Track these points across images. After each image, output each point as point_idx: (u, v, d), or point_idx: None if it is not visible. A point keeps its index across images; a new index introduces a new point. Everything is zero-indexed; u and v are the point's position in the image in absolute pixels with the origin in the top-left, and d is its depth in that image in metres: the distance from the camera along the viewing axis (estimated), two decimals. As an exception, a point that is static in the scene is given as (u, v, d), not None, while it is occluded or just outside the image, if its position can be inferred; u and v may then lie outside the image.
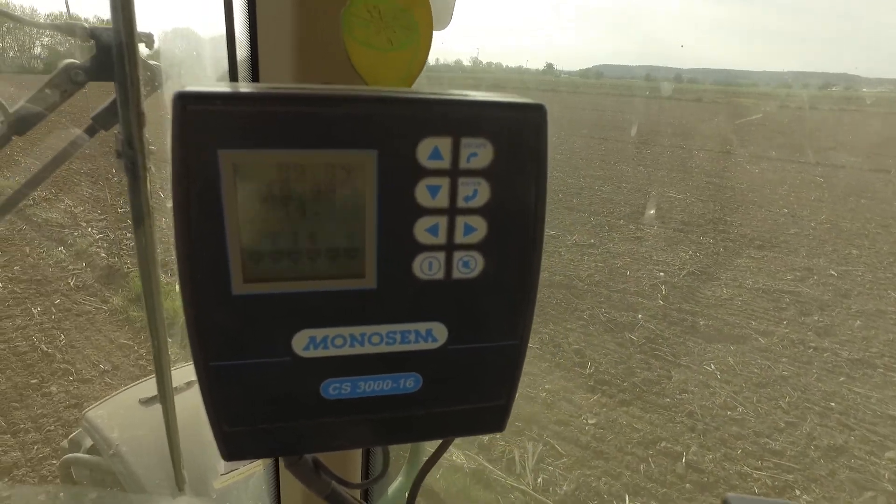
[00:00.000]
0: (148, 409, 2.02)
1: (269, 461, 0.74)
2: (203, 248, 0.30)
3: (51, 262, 5.39)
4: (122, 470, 1.73)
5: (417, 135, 0.30)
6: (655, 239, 6.64)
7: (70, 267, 5.32)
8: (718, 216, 7.55)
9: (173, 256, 0.32)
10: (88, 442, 1.98)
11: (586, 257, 5.97)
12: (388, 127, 0.30)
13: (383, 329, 0.34)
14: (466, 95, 0.32)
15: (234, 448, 0.37)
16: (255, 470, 0.72)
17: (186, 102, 0.28)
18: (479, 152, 0.31)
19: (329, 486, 0.43)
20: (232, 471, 0.70)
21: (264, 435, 0.36)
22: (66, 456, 1.98)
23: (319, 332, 0.33)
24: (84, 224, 6.42)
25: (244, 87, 0.31)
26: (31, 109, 0.53)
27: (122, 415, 1.96)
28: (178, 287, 0.32)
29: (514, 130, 0.32)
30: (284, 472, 0.75)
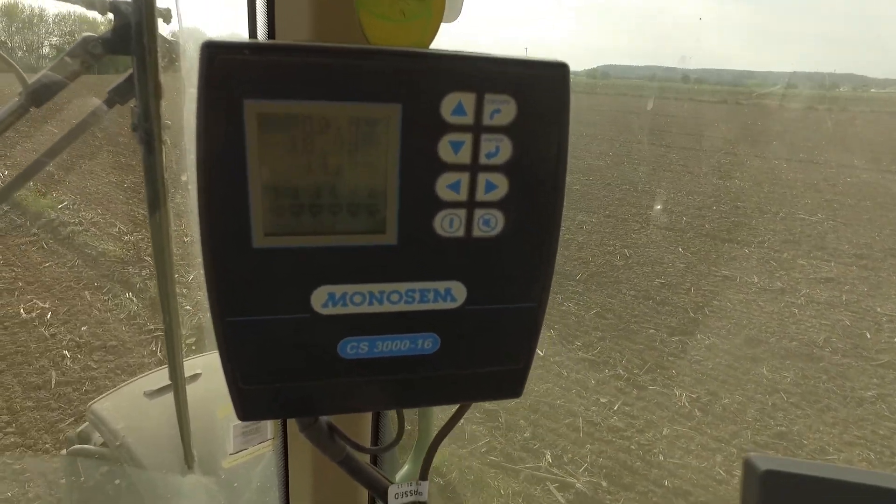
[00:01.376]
0: (152, 401, 2.03)
1: (278, 441, 0.74)
2: (224, 200, 0.30)
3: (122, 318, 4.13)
4: (128, 460, 1.73)
5: (442, 90, 0.31)
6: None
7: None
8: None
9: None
10: (94, 434, 1.99)
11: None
12: (413, 81, 0.30)
13: (402, 287, 0.34)
14: (487, 55, 0.32)
15: (249, 407, 0.37)
16: (264, 450, 0.72)
17: (214, 51, 0.28)
18: (502, 109, 0.31)
19: (343, 451, 0.43)
20: (241, 450, 0.70)
21: (280, 394, 0.36)
22: (71, 447, 1.99)
23: (339, 289, 0.33)
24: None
25: (268, 43, 0.31)
26: (48, 81, 0.53)
27: (128, 407, 1.97)
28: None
29: (537, 88, 0.32)
30: (293, 452, 0.75)
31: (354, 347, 0.35)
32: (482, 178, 0.33)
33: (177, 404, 0.69)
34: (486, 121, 0.32)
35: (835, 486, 0.36)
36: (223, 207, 0.30)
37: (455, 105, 0.31)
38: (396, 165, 0.31)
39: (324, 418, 0.42)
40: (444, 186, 0.32)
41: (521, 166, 0.33)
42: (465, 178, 0.32)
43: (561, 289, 4.90)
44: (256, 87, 0.29)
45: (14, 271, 4.73)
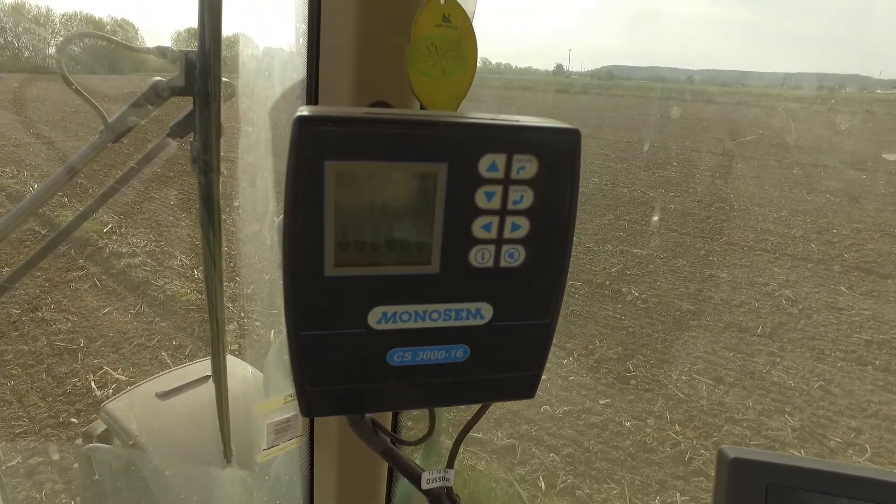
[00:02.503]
0: (164, 402, 2.09)
1: (306, 437, 0.82)
2: (304, 236, 0.38)
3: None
4: (141, 459, 1.80)
5: (480, 152, 0.38)
6: None
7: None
8: None
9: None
10: (99, 430, 2.05)
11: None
12: (457, 145, 0.38)
13: (441, 307, 0.42)
14: (518, 121, 0.40)
15: (311, 405, 0.44)
16: (293, 446, 0.80)
17: (303, 123, 0.36)
18: (526, 166, 0.39)
19: (385, 444, 0.51)
20: (273, 447, 0.78)
21: (337, 395, 0.44)
22: (87, 445, 2.05)
23: (390, 309, 0.41)
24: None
25: (344, 110, 0.39)
26: (124, 120, 0.61)
27: (140, 407, 2.03)
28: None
29: (555, 149, 0.39)
30: (318, 448, 0.83)
31: (401, 356, 0.43)
32: (509, 220, 0.40)
33: (218, 403, 0.76)
34: (514, 175, 0.39)
35: (795, 472, 0.44)
36: (303, 243, 0.38)
37: (490, 164, 0.39)
38: (442, 211, 0.39)
39: (368, 416, 0.50)
40: (478, 227, 0.40)
41: (540, 211, 0.41)
42: (495, 220, 0.40)
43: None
44: (334, 151, 0.36)
45: (70, 321, 4.00)
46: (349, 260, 0.39)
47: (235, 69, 0.61)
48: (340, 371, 0.43)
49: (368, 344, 0.42)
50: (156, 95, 0.59)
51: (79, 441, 2.23)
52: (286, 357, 0.77)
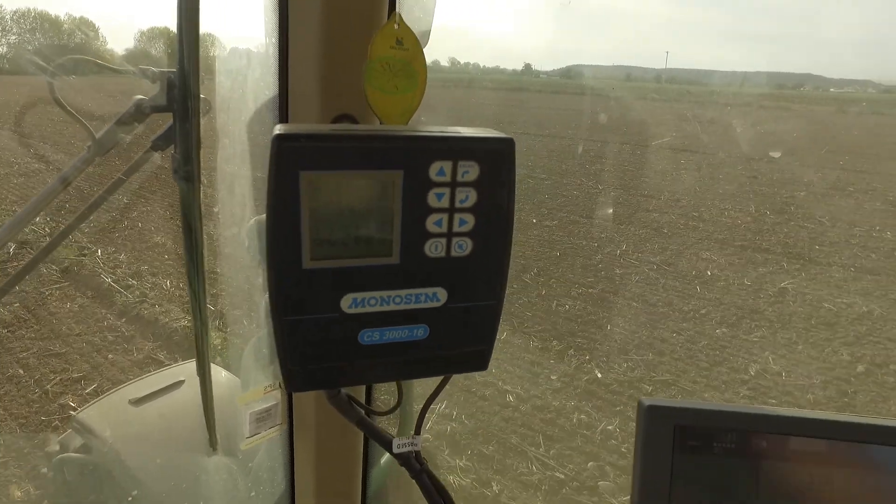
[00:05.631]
0: (138, 408, 2.10)
1: (285, 425, 0.88)
2: (284, 236, 0.45)
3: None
4: (117, 467, 1.81)
5: (430, 159, 0.46)
6: None
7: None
8: None
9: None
10: (79, 442, 2.05)
11: None
12: (410, 155, 0.45)
13: (403, 292, 0.49)
14: (460, 132, 0.48)
15: (294, 382, 0.51)
16: (274, 434, 0.86)
17: (281, 140, 0.43)
18: (469, 170, 0.47)
19: (359, 415, 0.58)
20: (255, 435, 0.84)
21: (316, 372, 0.51)
22: (59, 456, 2.04)
23: (359, 295, 0.48)
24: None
25: (314, 127, 0.46)
26: (110, 135, 0.66)
27: (114, 415, 2.03)
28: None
29: (493, 156, 0.47)
30: (297, 434, 0.89)
31: (370, 336, 0.50)
32: (457, 216, 0.48)
33: (203, 394, 0.82)
34: (459, 178, 0.47)
35: (698, 414, 0.53)
36: (284, 241, 0.45)
37: (438, 169, 0.46)
38: (399, 210, 0.46)
39: (344, 390, 0.57)
40: (431, 223, 0.48)
41: (483, 208, 0.48)
42: (445, 217, 0.48)
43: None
44: (307, 163, 0.43)
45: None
46: (323, 254, 0.46)
47: (212, 88, 0.67)
48: (319, 351, 0.50)
49: (342, 326, 0.49)
50: (139, 112, 0.64)
51: (50, 450, 2.21)
52: (264, 350, 0.84)
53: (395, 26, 0.53)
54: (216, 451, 0.86)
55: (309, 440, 0.88)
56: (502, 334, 4.34)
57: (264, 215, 0.77)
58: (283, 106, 0.65)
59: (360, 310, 0.49)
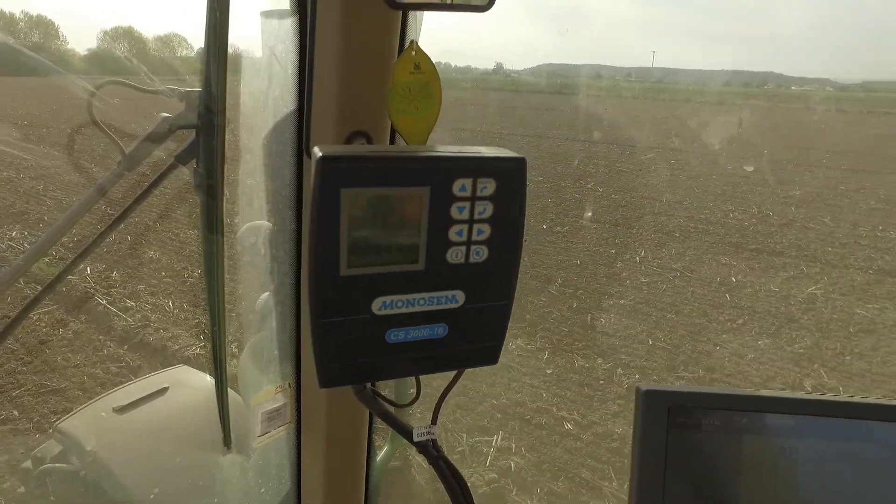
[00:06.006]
0: (123, 416, 2.09)
1: (293, 425, 0.92)
2: (324, 246, 0.50)
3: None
4: (101, 476, 1.80)
5: (453, 177, 0.52)
6: None
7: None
8: None
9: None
10: (58, 450, 2.02)
11: None
12: (437, 173, 0.51)
13: (426, 295, 0.55)
14: (479, 152, 0.54)
15: (327, 377, 0.56)
16: (283, 433, 0.90)
17: (325, 161, 0.48)
18: (487, 186, 0.53)
19: (383, 407, 0.63)
20: (265, 433, 0.88)
21: (348, 368, 0.56)
22: (41, 467, 2.01)
23: (389, 298, 0.54)
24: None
25: (349, 149, 0.51)
26: (139, 151, 0.69)
27: (97, 423, 2.02)
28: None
29: (508, 173, 0.53)
30: (305, 433, 0.93)
31: (396, 335, 0.56)
32: (475, 227, 0.54)
33: (218, 393, 0.86)
34: (478, 194, 0.53)
35: (691, 396, 0.60)
36: (324, 251, 0.50)
37: (460, 186, 0.52)
38: (426, 222, 0.52)
39: (368, 385, 0.62)
40: (453, 233, 0.53)
41: (498, 219, 0.54)
42: (465, 227, 0.53)
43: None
44: (347, 181, 0.49)
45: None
46: (358, 262, 0.51)
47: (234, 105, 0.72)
48: (351, 349, 0.55)
49: (372, 326, 0.54)
50: (165, 129, 0.68)
51: (27, 465, 2.18)
52: (267, 353, 0.88)
53: (413, 53, 0.59)
54: (230, 449, 0.90)
55: (317, 439, 0.93)
56: (544, 353, 4.26)
57: (257, 222, 0.82)
58: (302, 122, 0.70)
59: (388, 311, 0.54)
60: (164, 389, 2.02)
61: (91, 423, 2.05)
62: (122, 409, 2.14)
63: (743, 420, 0.59)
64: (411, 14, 0.71)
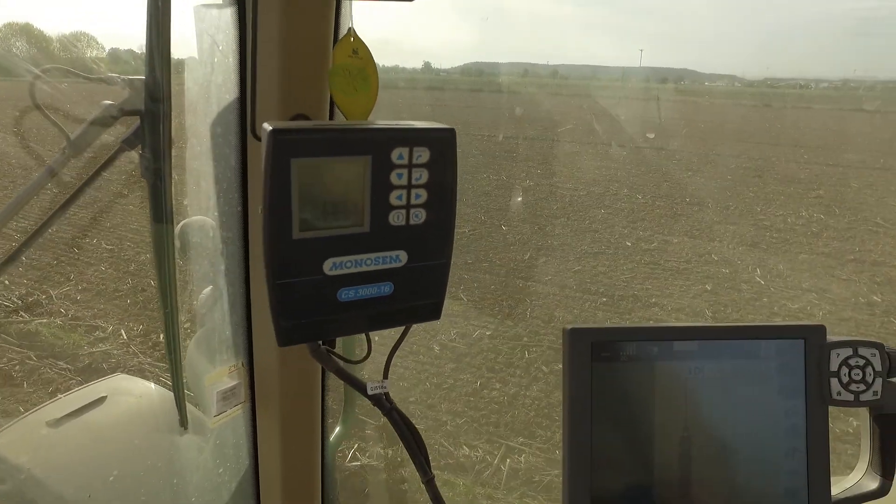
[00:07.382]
0: (57, 430, 2.01)
1: (248, 404, 0.96)
2: (278, 211, 0.55)
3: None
4: (36, 492, 1.73)
5: (391, 146, 0.58)
6: None
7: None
8: None
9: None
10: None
11: None
12: (377, 143, 0.57)
13: (372, 255, 0.61)
14: (413, 124, 0.60)
15: (284, 336, 0.61)
16: (238, 412, 0.93)
17: (276, 133, 0.53)
18: (422, 154, 0.59)
19: (337, 364, 0.68)
20: (221, 413, 0.91)
21: (303, 327, 0.61)
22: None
23: (338, 259, 0.59)
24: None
25: (298, 123, 0.56)
26: (83, 137, 0.70)
27: (30, 439, 1.93)
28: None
29: (440, 142, 0.60)
30: (259, 411, 0.97)
31: (346, 294, 0.61)
32: (413, 192, 0.60)
33: (172, 374, 0.88)
34: (415, 161, 0.59)
35: (611, 332, 0.70)
36: (278, 216, 0.55)
37: (398, 154, 0.58)
38: (369, 188, 0.58)
39: (323, 344, 0.67)
40: (393, 198, 0.60)
41: (433, 184, 0.61)
42: (404, 192, 0.60)
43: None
44: (297, 151, 0.54)
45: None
46: (309, 226, 0.57)
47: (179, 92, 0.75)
48: (305, 308, 0.60)
49: (324, 286, 0.60)
50: (108, 115, 0.70)
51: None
52: (209, 344, 0.91)
53: (351, 39, 0.65)
54: (187, 429, 0.92)
55: (272, 416, 0.96)
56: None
57: (193, 217, 0.85)
58: (245, 106, 0.74)
59: (338, 272, 0.60)
60: (102, 399, 1.96)
61: (22, 439, 1.96)
62: (56, 423, 2.05)
63: (654, 349, 0.70)
64: (343, 12, 0.77)
